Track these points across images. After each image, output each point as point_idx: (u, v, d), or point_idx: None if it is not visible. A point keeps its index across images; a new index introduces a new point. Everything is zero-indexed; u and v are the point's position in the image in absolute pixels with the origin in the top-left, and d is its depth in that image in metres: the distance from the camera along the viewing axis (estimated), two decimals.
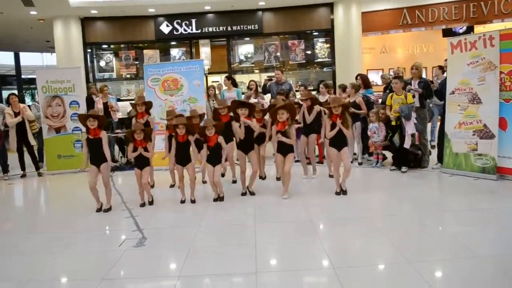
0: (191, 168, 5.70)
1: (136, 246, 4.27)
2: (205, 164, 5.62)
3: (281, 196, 5.73)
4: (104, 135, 5.59)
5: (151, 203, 5.78)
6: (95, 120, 5.51)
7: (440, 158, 7.01)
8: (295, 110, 5.84)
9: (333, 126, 5.60)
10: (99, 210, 5.59)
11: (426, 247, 3.89)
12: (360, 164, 7.68)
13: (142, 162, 5.69)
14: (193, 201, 5.73)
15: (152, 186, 6.60)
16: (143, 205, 5.72)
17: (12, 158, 8.52)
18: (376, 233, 4.33)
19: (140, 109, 6.75)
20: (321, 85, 8.32)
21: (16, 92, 13.44)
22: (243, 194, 6.00)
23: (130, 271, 3.78)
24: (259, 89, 9.49)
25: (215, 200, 5.72)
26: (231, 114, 6.26)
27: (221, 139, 5.52)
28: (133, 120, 6.82)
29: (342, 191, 5.73)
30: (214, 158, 5.54)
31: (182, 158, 5.68)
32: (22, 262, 4.05)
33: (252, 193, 6.00)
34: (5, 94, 18.95)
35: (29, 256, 4.17)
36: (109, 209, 5.61)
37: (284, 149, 5.65)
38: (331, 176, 6.74)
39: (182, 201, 5.73)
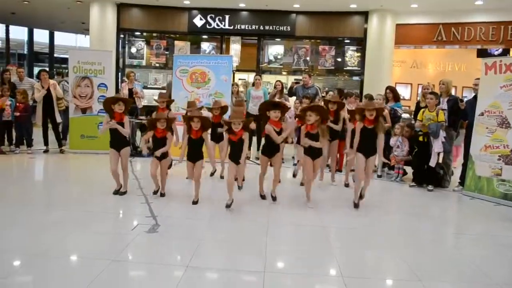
0: (199, 166, 5.45)
1: (148, 232, 4.31)
2: (224, 157, 5.45)
3: (307, 205, 5.46)
4: (127, 119, 5.63)
5: (162, 195, 5.68)
6: (123, 104, 5.56)
7: (462, 180, 6.87)
8: (326, 112, 5.56)
9: (363, 131, 5.33)
10: (116, 192, 5.65)
11: (439, 268, 3.82)
12: (379, 176, 7.59)
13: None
14: (195, 202, 5.41)
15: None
16: (156, 192, 5.70)
17: (36, 133, 8.70)
18: (390, 247, 4.27)
19: (162, 104, 6.59)
20: (376, 96, 7.93)
21: (47, 69, 13.70)
22: (263, 197, 5.77)
23: (140, 255, 3.81)
24: (285, 91, 9.48)
25: (228, 206, 5.17)
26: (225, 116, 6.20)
27: (245, 136, 5.22)
28: (153, 114, 6.76)
29: (360, 196, 5.54)
30: (237, 154, 5.20)
31: (194, 154, 5.43)
32: (35, 236, 4.13)
33: (274, 198, 5.65)
34: (36, 71, 19.43)
35: (43, 231, 4.25)
36: (124, 193, 5.66)
37: (313, 153, 5.36)
38: (346, 185, 6.74)
39: (194, 202, 5.41)
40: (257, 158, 8.65)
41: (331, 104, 6.57)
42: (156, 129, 5.48)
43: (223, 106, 6.68)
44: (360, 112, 5.40)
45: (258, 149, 8.92)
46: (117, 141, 5.55)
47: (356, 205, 5.52)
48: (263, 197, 5.74)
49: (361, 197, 5.56)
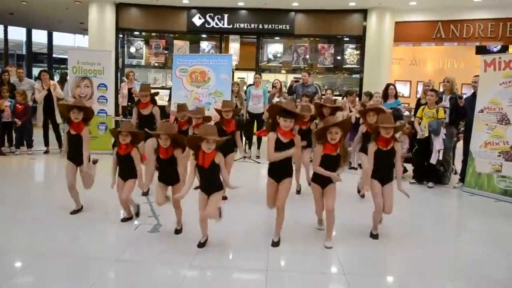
0: (178, 189, 4.08)
1: (150, 231, 4.33)
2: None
3: (324, 244, 4.14)
4: (86, 133, 4.64)
5: (178, 231, 4.39)
6: (81, 112, 4.57)
7: (462, 177, 6.89)
8: (348, 127, 4.18)
9: (377, 153, 4.18)
10: (75, 212, 4.82)
11: (440, 264, 3.84)
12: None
13: (127, 171, 4.41)
14: (178, 231, 4.33)
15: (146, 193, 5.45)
16: (125, 219, 4.62)
17: (36, 134, 8.70)
18: (390, 244, 4.29)
19: (144, 99, 5.70)
20: (376, 94, 7.83)
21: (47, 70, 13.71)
22: (276, 243, 4.09)
23: (142, 255, 3.83)
24: (284, 89, 9.50)
25: (200, 245, 3.98)
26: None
27: (220, 158, 3.80)
28: (134, 111, 5.81)
29: (376, 237, 4.41)
30: (208, 183, 3.89)
31: (166, 175, 4.18)
32: (37, 236, 4.14)
33: (276, 243, 4.10)
34: (35, 71, 19.41)
35: (46, 231, 4.27)
36: (79, 210, 4.85)
37: (323, 179, 4.07)
38: (361, 195, 5.90)
39: (177, 231, 4.32)
40: (258, 157, 8.69)
41: (326, 109, 5.64)
42: (119, 144, 4.36)
43: (206, 117, 5.58)
44: (374, 130, 4.25)
45: (258, 147, 8.94)
46: (77, 153, 4.64)
47: (375, 236, 4.42)
48: (276, 243, 4.09)
49: (375, 237, 4.45)
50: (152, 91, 5.98)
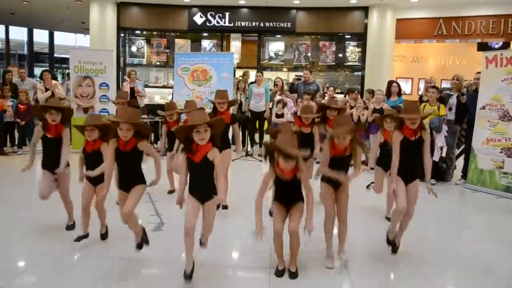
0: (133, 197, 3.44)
1: (154, 230, 4.34)
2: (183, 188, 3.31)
3: (339, 256, 3.76)
4: (66, 135, 4.11)
5: (103, 237, 4.11)
6: (58, 113, 4.02)
7: (464, 173, 6.89)
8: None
9: (405, 145, 3.63)
10: (69, 228, 4.32)
11: (444, 262, 3.84)
12: (372, 169, 7.57)
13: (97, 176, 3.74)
14: (139, 245, 3.65)
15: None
16: (80, 238, 3.92)
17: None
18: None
19: (131, 84, 5.60)
20: (377, 91, 7.83)
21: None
22: (279, 273, 3.48)
23: (146, 253, 3.83)
24: (286, 87, 9.50)
25: (187, 277, 3.25)
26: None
27: (216, 154, 3.18)
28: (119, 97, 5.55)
29: (392, 244, 3.91)
30: (202, 185, 3.26)
31: (126, 178, 3.46)
32: (40, 236, 4.16)
33: (293, 274, 3.46)
34: (37, 71, 19.45)
35: (48, 231, 4.28)
36: (72, 226, 4.33)
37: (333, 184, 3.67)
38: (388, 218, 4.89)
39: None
40: (260, 155, 8.68)
41: (331, 111, 5.13)
42: (86, 141, 3.89)
43: (199, 108, 5.01)
44: (397, 120, 3.76)
45: (260, 145, 8.93)
46: (52, 160, 4.12)
47: (391, 243, 3.93)
48: (280, 272, 3.47)
49: (393, 245, 3.90)
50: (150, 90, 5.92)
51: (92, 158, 3.83)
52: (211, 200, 3.23)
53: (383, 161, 4.64)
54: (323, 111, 5.21)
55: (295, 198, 3.39)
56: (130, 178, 3.43)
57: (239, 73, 13.13)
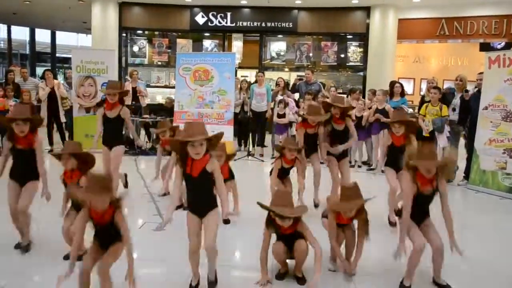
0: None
1: (155, 230, 4.33)
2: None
3: (348, 273, 3.53)
4: (39, 147, 3.75)
5: (24, 249, 3.76)
6: (26, 124, 3.60)
7: (467, 174, 6.87)
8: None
9: (418, 198, 3.21)
10: (17, 246, 3.82)
11: (445, 262, 3.82)
12: (382, 172, 7.56)
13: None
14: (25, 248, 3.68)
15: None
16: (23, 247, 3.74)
17: (40, 133, 8.70)
18: (394, 242, 4.27)
19: (112, 99, 4.87)
20: (378, 92, 7.70)
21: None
22: (280, 276, 3.46)
23: (148, 253, 3.84)
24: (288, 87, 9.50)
25: None
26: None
27: (216, 167, 2.98)
28: (98, 113, 5.07)
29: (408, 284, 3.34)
30: (200, 200, 3.07)
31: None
32: (41, 235, 4.15)
33: (300, 279, 3.40)
34: (39, 70, 19.46)
35: (49, 230, 4.27)
36: (27, 247, 3.78)
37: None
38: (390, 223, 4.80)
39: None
40: (261, 155, 8.68)
41: (336, 110, 4.95)
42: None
43: (174, 127, 5.44)
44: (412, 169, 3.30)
45: (259, 145, 8.92)
46: (25, 171, 3.75)
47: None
48: (302, 279, 3.38)
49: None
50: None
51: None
52: (211, 211, 3.04)
53: (393, 162, 4.60)
54: (328, 110, 5.04)
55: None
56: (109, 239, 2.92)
57: (240, 73, 13.17)
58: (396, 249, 3.23)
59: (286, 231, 3.20)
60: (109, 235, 2.87)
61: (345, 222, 3.45)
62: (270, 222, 3.22)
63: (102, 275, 2.83)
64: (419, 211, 3.27)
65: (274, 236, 3.34)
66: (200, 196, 3.02)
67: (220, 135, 3.05)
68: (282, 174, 4.75)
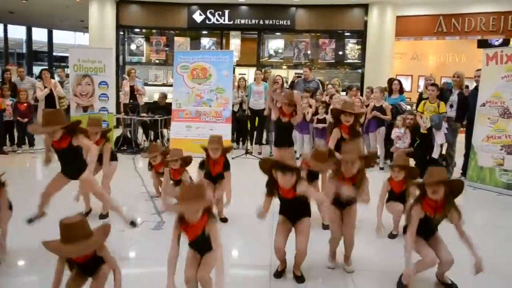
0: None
1: (154, 228, 4.34)
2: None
3: (345, 269, 3.61)
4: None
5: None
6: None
7: (464, 171, 6.88)
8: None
9: (424, 221, 3.22)
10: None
11: None
12: (381, 169, 7.59)
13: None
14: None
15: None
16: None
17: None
18: (394, 241, 4.28)
19: (95, 137, 4.56)
20: (375, 89, 7.70)
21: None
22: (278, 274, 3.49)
23: (146, 252, 3.84)
24: (286, 85, 9.49)
25: None
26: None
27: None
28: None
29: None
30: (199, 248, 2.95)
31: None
32: (41, 235, 4.14)
33: (300, 278, 3.39)
34: (35, 69, 19.43)
35: (49, 230, 4.26)
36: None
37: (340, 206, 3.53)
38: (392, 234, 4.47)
39: None
40: (259, 153, 8.68)
41: (346, 117, 4.61)
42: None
43: (185, 157, 4.89)
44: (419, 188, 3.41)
45: (258, 143, 8.93)
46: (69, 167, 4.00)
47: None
48: (300, 278, 3.38)
49: None
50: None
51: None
52: (211, 252, 2.85)
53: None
54: (337, 116, 4.74)
55: (301, 214, 3.31)
56: None
57: (238, 71, 13.15)
58: (403, 273, 3.23)
59: (287, 195, 3.17)
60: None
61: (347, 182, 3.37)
62: (272, 192, 3.23)
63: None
64: (426, 230, 3.25)
65: (273, 235, 3.34)
66: (200, 251, 2.95)
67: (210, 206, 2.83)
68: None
